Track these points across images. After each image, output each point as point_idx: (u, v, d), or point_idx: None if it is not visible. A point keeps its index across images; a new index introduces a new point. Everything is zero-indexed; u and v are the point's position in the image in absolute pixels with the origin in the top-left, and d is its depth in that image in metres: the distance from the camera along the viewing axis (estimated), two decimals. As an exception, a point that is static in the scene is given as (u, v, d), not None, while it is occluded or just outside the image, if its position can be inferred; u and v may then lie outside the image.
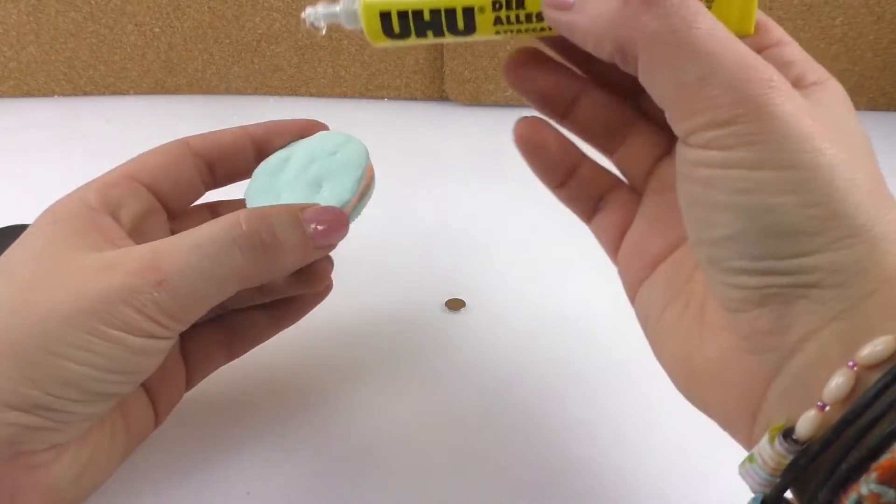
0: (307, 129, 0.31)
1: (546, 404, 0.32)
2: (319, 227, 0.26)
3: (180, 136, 0.57)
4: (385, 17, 0.23)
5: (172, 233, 0.30)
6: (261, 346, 0.32)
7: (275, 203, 0.28)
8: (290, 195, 0.28)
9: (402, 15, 0.23)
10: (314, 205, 0.26)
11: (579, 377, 0.34)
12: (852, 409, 0.17)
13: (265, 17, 0.57)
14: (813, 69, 0.22)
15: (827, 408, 0.17)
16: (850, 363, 0.17)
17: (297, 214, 0.25)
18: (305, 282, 0.29)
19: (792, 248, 0.19)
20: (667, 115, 0.21)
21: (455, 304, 0.38)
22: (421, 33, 0.23)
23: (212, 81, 0.60)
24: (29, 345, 0.22)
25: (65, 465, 0.23)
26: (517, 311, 0.38)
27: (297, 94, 0.60)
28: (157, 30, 0.57)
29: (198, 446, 0.30)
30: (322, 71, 0.59)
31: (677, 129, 0.20)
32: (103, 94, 0.60)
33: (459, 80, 0.58)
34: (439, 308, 0.38)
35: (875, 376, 0.17)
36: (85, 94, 0.59)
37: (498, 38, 0.24)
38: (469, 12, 0.23)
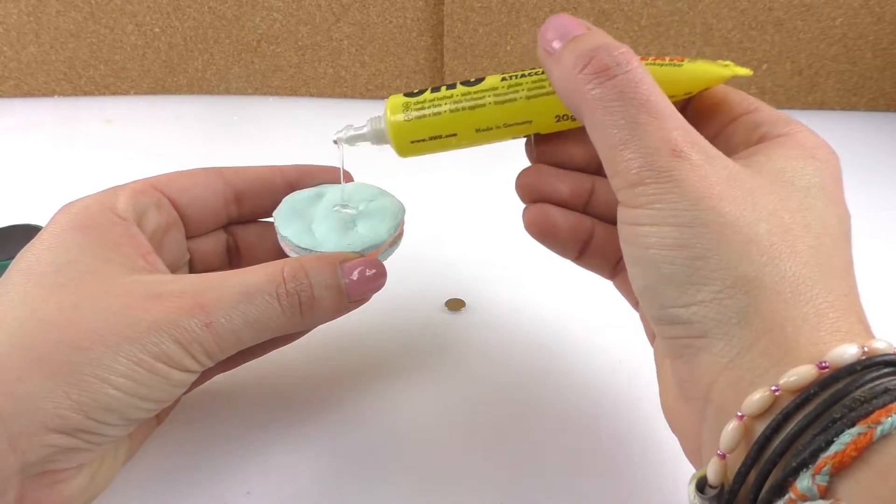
0: (338, 177, 0.32)
1: (547, 404, 0.32)
2: (356, 280, 0.26)
3: (180, 137, 0.57)
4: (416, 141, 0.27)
5: (189, 251, 0.30)
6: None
7: (306, 231, 0.28)
8: (323, 226, 0.28)
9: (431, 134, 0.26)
10: (355, 256, 0.27)
11: (580, 377, 0.34)
12: (744, 460, 0.18)
13: (265, 17, 0.57)
14: (783, 125, 0.24)
15: (727, 456, 0.19)
16: (739, 414, 0.19)
17: (336, 271, 0.26)
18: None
19: (685, 297, 0.20)
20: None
21: (455, 304, 0.38)
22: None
23: (212, 81, 0.60)
24: (78, 369, 0.22)
25: (81, 477, 0.24)
26: (517, 311, 0.38)
27: (297, 94, 0.60)
28: (157, 30, 0.57)
29: (198, 446, 0.30)
30: (322, 71, 0.59)
31: (612, 186, 0.22)
32: (103, 94, 0.60)
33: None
34: (439, 308, 0.38)
35: (761, 426, 0.18)
36: (85, 94, 0.59)
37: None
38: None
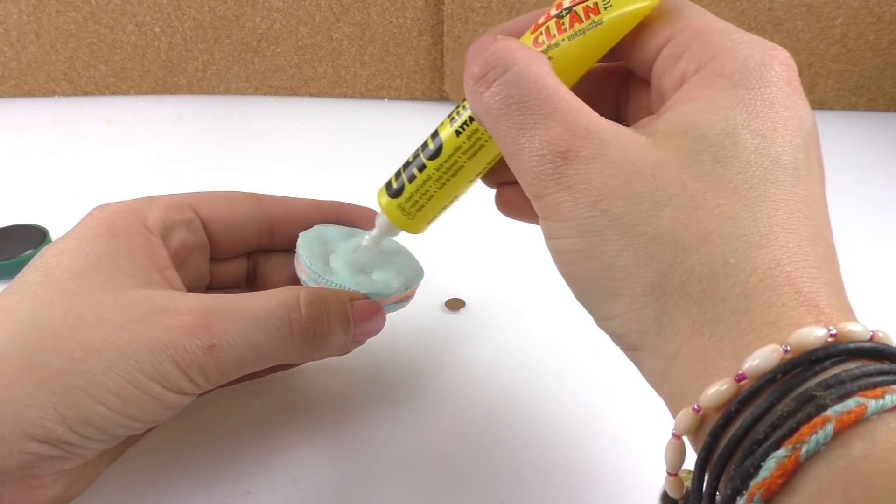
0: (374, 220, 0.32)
1: (547, 404, 0.32)
2: (362, 320, 0.26)
3: (180, 137, 0.57)
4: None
5: (210, 274, 0.30)
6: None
7: (322, 258, 0.28)
8: (340, 265, 0.29)
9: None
10: (363, 297, 0.27)
11: (580, 377, 0.34)
12: (689, 488, 0.17)
13: (265, 17, 0.57)
14: (700, 50, 0.20)
15: (672, 476, 0.18)
16: (673, 432, 0.17)
17: (347, 308, 0.26)
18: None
19: (607, 310, 0.19)
20: None
21: (455, 304, 0.38)
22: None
23: (212, 81, 0.60)
24: (69, 383, 0.21)
25: (61, 483, 0.24)
26: (517, 311, 0.38)
27: (297, 94, 0.60)
28: (157, 30, 0.57)
29: (198, 446, 0.30)
30: (322, 71, 0.59)
31: None
32: (103, 94, 0.60)
33: (459, 80, 0.58)
34: (439, 308, 0.38)
35: (697, 445, 0.17)
36: (85, 94, 0.59)
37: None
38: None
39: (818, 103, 0.57)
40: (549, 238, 0.20)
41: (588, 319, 0.21)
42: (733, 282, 0.17)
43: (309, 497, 0.28)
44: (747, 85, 0.19)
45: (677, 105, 0.19)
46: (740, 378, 0.16)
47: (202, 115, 0.58)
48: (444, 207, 0.27)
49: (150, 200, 0.27)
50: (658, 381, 0.19)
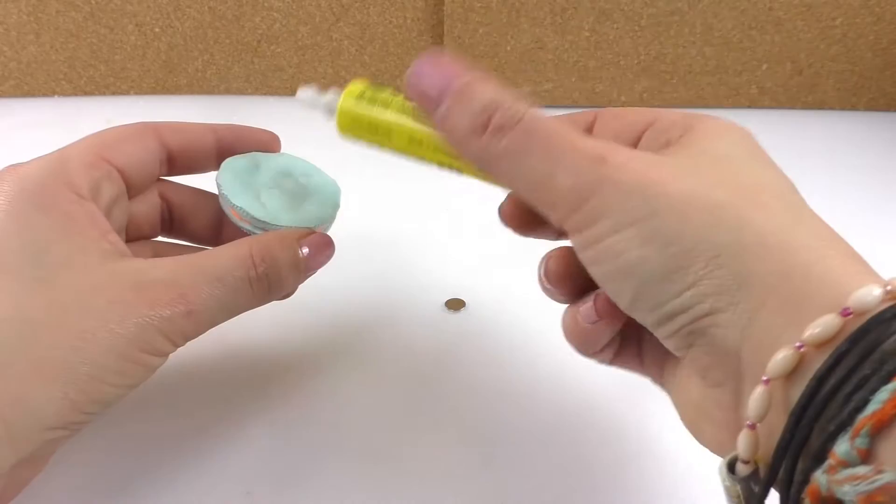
0: (270, 143, 0.33)
1: (546, 404, 0.32)
2: (312, 255, 0.28)
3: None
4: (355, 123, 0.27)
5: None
6: (262, 344, 0.32)
7: (257, 202, 0.29)
8: (273, 200, 0.29)
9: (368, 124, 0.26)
10: (309, 232, 0.28)
11: (580, 377, 0.34)
12: (783, 434, 0.17)
13: (265, 17, 0.57)
14: (683, 123, 0.23)
15: (757, 425, 0.18)
16: (764, 378, 0.17)
17: (297, 250, 0.27)
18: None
19: (675, 286, 0.19)
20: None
21: (455, 304, 0.38)
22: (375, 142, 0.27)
23: (212, 81, 0.60)
24: (75, 370, 0.22)
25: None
26: (517, 311, 0.38)
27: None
28: (157, 30, 0.57)
29: (197, 445, 0.30)
30: (322, 71, 0.59)
31: (554, 223, 0.22)
32: (103, 94, 0.60)
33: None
34: (439, 308, 0.38)
35: (792, 388, 0.17)
36: (85, 94, 0.59)
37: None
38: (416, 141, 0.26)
39: (818, 103, 0.57)
40: (596, 242, 0.20)
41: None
42: (806, 240, 0.18)
43: (309, 497, 0.28)
44: (735, 133, 0.22)
45: (678, 148, 0.22)
46: (846, 313, 0.16)
47: (202, 115, 0.58)
48: (376, 134, 0.26)
49: (63, 161, 0.27)
50: (738, 339, 0.19)
